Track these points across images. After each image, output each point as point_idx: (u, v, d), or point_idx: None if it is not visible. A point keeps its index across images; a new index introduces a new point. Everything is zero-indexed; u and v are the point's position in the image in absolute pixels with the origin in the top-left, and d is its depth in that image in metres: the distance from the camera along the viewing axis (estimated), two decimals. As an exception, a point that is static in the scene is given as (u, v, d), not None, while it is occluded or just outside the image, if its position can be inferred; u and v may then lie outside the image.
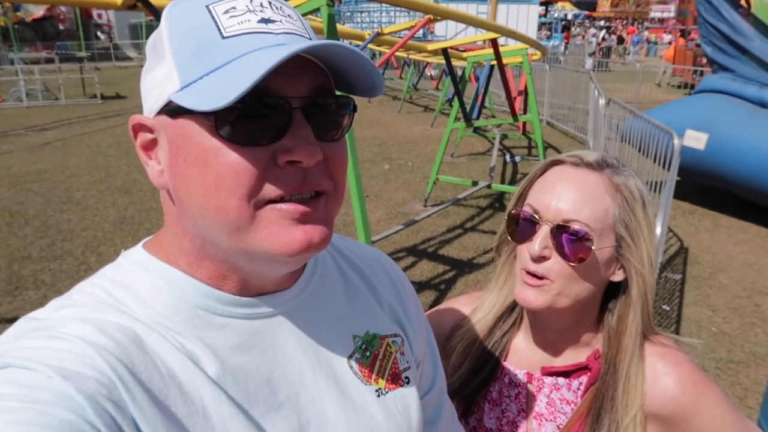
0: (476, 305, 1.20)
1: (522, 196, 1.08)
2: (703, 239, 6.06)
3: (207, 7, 0.60)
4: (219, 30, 0.59)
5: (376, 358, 0.77)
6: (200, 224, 0.62)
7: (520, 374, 1.11)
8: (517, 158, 9.54)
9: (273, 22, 0.60)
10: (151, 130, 0.64)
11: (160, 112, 0.62)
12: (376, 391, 0.75)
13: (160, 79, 0.61)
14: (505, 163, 9.34)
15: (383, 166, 8.94)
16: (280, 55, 0.53)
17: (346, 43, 0.59)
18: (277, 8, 0.62)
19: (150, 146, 0.65)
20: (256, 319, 0.67)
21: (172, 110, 0.60)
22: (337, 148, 0.64)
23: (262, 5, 0.61)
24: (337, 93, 0.66)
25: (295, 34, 0.61)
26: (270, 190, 0.59)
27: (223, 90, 0.54)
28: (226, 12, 0.60)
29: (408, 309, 0.86)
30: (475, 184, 7.16)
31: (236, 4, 0.60)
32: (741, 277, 5.15)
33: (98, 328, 0.58)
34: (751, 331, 4.22)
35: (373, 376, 0.76)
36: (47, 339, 0.56)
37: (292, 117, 0.59)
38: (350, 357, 0.75)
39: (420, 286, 4.85)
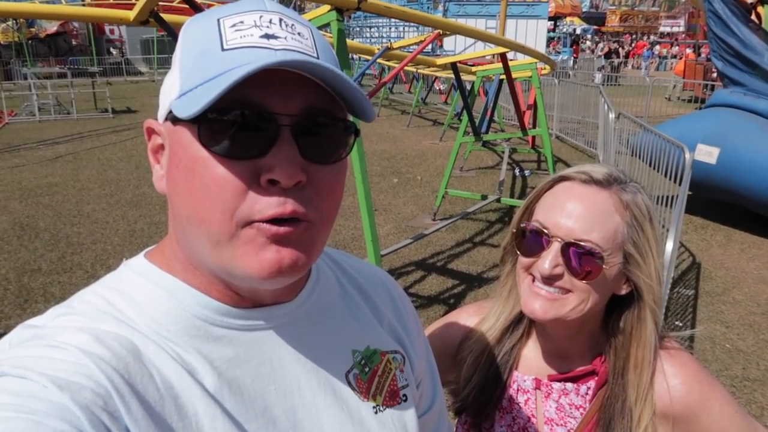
0: (483, 315, 1.20)
1: (529, 210, 1.08)
2: (716, 254, 6.00)
3: (218, 19, 0.60)
4: (221, 42, 0.59)
5: (375, 374, 0.76)
6: (188, 233, 0.62)
7: (529, 381, 1.12)
8: (527, 172, 9.52)
9: (276, 38, 0.59)
10: (159, 134, 0.66)
11: (166, 118, 0.63)
12: (374, 407, 0.75)
13: (169, 86, 0.62)
14: (514, 177, 9.32)
15: (392, 180, 8.95)
16: (250, 67, 0.53)
17: (325, 63, 0.57)
18: (287, 25, 0.61)
19: (158, 150, 0.66)
20: (255, 331, 0.67)
21: (173, 117, 0.60)
22: (329, 173, 0.62)
23: (270, 21, 0.60)
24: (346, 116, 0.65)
25: (298, 51, 0.59)
26: (251, 209, 0.58)
27: (200, 100, 0.55)
28: (234, 26, 0.59)
29: (408, 328, 0.86)
30: (484, 197, 7.14)
31: (245, 18, 0.60)
32: (755, 293, 5.08)
33: (95, 337, 0.57)
34: (766, 348, 4.15)
35: (371, 393, 0.75)
36: (44, 348, 0.56)
37: (279, 134, 0.58)
38: (348, 372, 0.74)
39: (429, 300, 4.82)
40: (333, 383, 0.72)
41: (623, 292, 1.05)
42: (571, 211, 0.99)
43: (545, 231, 1.00)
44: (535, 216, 1.05)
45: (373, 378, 0.76)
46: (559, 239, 0.98)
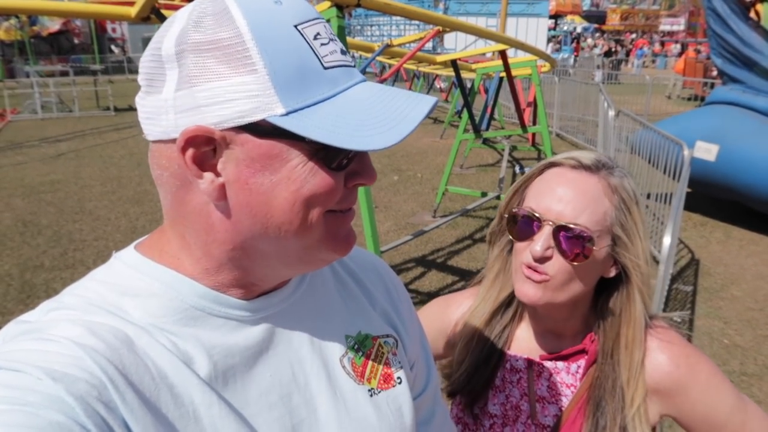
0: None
1: (519, 195, 1.11)
2: (715, 251, 6.02)
3: (296, 27, 0.59)
4: (318, 58, 0.60)
5: (369, 358, 0.77)
6: (270, 235, 0.62)
7: (521, 360, 1.15)
8: (527, 169, 9.50)
9: (345, 53, 0.64)
10: (212, 142, 0.59)
11: (239, 128, 0.58)
12: (369, 391, 0.75)
13: (246, 93, 0.57)
14: (514, 174, 9.33)
15: (392, 177, 8.96)
16: (422, 109, 0.60)
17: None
18: (329, 32, 0.64)
19: (206, 158, 0.60)
20: (251, 320, 0.68)
21: (264, 130, 0.58)
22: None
23: (326, 29, 0.63)
24: None
25: (353, 66, 0.66)
26: (337, 205, 0.65)
27: (353, 129, 0.57)
28: (316, 38, 0.60)
29: (401, 312, 0.87)
30: (484, 195, 7.16)
31: (318, 29, 0.61)
32: (753, 289, 5.10)
33: (88, 329, 0.58)
34: (764, 343, 4.17)
35: (366, 377, 0.76)
36: (37, 341, 0.56)
37: None
38: (342, 357, 0.75)
39: (428, 297, 4.84)
40: (327, 368, 0.73)
41: (611, 274, 1.08)
42: (561, 196, 1.02)
43: (537, 215, 1.03)
44: (526, 202, 1.08)
45: (367, 362, 0.77)
46: (551, 223, 1.01)
